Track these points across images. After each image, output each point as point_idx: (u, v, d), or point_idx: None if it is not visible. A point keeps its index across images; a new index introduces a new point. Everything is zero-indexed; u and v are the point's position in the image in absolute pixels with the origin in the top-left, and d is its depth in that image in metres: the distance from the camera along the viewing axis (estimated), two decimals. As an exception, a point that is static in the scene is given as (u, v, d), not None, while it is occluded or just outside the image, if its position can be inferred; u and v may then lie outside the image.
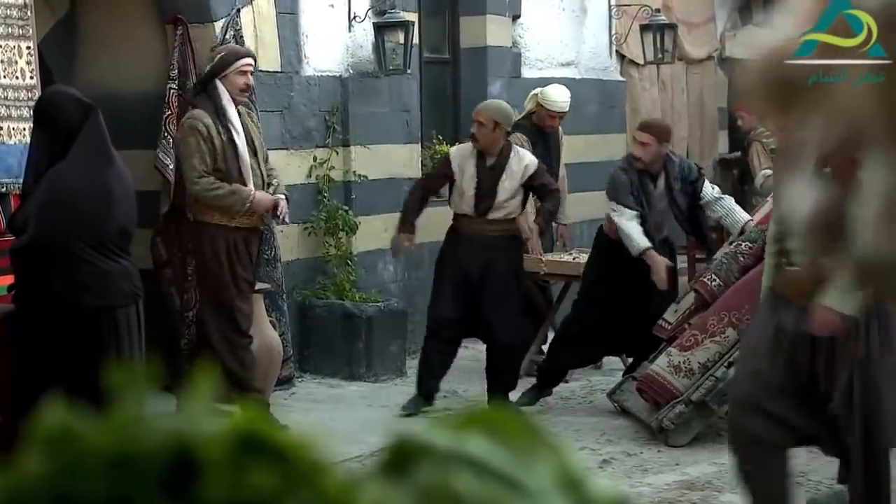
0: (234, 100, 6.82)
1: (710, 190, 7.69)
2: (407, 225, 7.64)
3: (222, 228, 6.78)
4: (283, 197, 6.96)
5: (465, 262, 7.50)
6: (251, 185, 6.80)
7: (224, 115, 6.75)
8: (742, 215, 7.59)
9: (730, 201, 7.72)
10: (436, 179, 7.80)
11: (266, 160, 7.09)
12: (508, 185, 7.49)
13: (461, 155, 7.66)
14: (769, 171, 8.60)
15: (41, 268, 4.86)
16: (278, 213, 6.91)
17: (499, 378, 7.61)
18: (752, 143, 9.37)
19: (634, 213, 7.51)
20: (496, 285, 7.48)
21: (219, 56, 6.90)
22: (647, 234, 7.47)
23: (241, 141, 6.79)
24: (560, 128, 8.92)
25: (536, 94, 8.73)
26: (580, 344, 7.78)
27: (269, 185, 7.01)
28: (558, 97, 8.68)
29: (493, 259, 7.48)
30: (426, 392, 7.62)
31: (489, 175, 7.50)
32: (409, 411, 7.53)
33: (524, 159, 7.61)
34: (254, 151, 6.89)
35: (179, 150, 6.95)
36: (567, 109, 8.74)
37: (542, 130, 8.69)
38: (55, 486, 0.68)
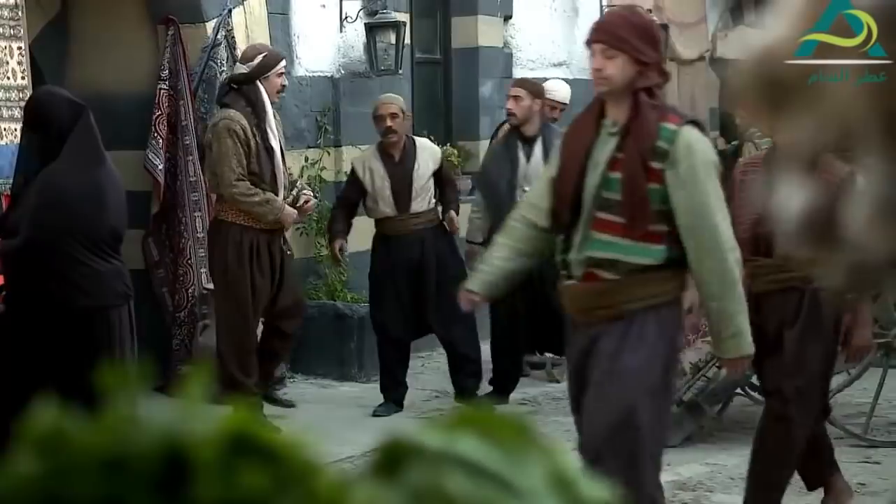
0: (271, 101, 6.84)
1: None
2: (334, 235, 7.61)
3: (248, 229, 6.74)
4: (308, 193, 7.07)
5: (398, 264, 7.47)
6: (282, 190, 6.80)
7: (264, 118, 6.72)
8: None
9: None
10: (350, 194, 7.66)
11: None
12: (422, 172, 7.48)
13: (363, 160, 7.61)
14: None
15: (35, 268, 4.84)
16: (305, 214, 7.11)
17: (459, 371, 7.61)
18: (745, 144, 9.38)
19: (478, 204, 7.73)
20: (430, 280, 7.48)
21: (261, 57, 6.83)
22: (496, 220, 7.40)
23: (276, 145, 6.76)
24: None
25: None
26: (510, 344, 7.65)
27: (294, 185, 7.05)
28: (560, 88, 8.71)
29: (425, 253, 7.48)
30: (396, 398, 7.65)
31: (400, 169, 7.46)
32: (381, 415, 7.54)
33: (431, 148, 7.65)
34: (282, 154, 6.90)
35: (213, 150, 6.75)
36: (568, 101, 8.71)
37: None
38: (47, 487, 0.68)
